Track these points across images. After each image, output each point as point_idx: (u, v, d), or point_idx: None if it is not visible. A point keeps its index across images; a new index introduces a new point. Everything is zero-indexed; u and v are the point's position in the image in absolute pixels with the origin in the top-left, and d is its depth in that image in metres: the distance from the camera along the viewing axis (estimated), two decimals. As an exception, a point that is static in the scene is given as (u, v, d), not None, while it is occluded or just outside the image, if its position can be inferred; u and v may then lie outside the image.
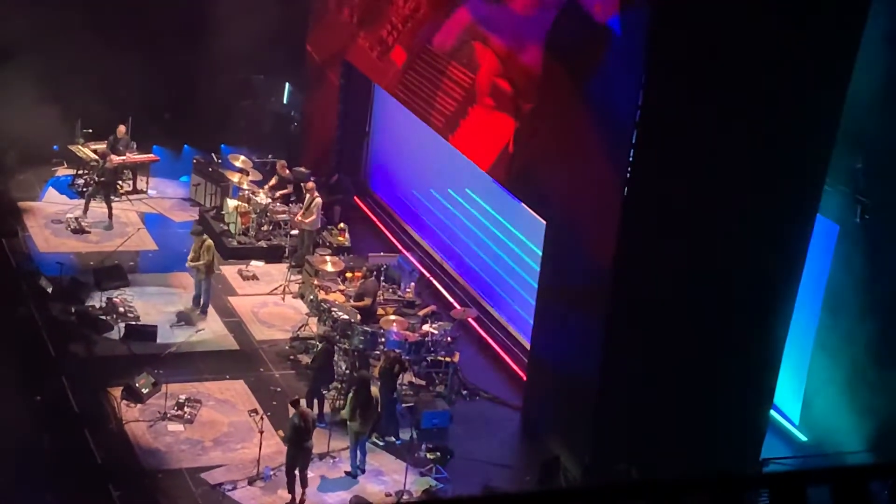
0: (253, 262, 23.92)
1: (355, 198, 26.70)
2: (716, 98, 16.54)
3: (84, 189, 25.46)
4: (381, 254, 23.63)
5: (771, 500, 5.44)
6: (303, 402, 17.77)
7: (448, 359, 20.29)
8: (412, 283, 22.38)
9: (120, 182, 25.90)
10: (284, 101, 30.21)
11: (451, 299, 23.07)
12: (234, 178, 25.11)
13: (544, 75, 19.15)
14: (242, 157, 25.68)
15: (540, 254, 19.73)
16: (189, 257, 21.77)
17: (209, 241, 21.92)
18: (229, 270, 23.54)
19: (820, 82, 16.88)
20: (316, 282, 21.66)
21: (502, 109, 20.48)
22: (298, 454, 17.19)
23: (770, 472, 14.43)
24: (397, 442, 18.87)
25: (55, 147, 26.80)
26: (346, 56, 26.24)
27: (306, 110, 28.81)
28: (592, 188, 17.89)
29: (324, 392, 19.30)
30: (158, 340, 20.62)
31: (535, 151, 19.55)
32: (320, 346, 19.54)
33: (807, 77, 16.76)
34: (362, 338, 19.97)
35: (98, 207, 24.78)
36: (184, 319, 21.53)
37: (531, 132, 19.65)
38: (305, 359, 20.44)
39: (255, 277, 23.45)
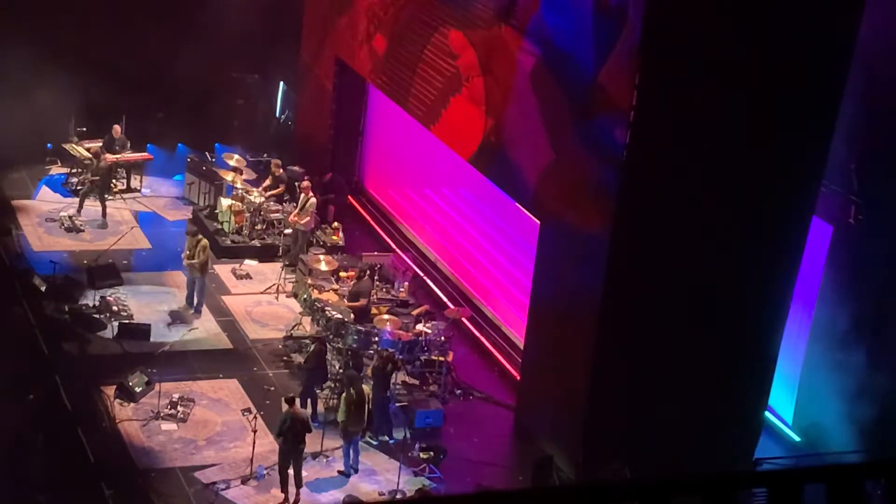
0: (246, 261, 23.91)
1: (349, 197, 26.70)
2: (711, 97, 16.55)
3: (78, 187, 25.43)
4: (375, 253, 23.65)
5: (768, 499, 5.44)
6: (297, 401, 17.77)
7: (441, 358, 20.30)
8: (406, 283, 22.39)
9: (114, 180, 25.88)
10: (279, 100, 30.20)
11: (444, 299, 23.07)
12: (228, 176, 25.09)
13: (527, 69, 19.19)
14: (236, 156, 25.67)
15: (534, 253, 19.74)
16: (184, 255, 21.78)
17: (205, 241, 21.93)
18: (223, 269, 23.52)
19: (816, 82, 16.90)
20: (310, 281, 21.67)
21: (481, 100, 20.61)
22: (292, 453, 17.18)
23: (764, 470, 14.45)
24: (391, 441, 18.87)
25: (49, 145, 26.78)
26: (336, 52, 26.25)
27: (300, 109, 28.79)
28: (586, 188, 17.89)
29: (317, 391, 19.30)
30: (152, 339, 20.59)
31: (520, 144, 19.61)
32: (313, 345, 19.54)
33: (803, 76, 16.78)
34: (356, 337, 19.99)
35: (92, 206, 24.74)
36: (177, 318, 21.53)
37: (512, 126, 19.78)
38: (299, 358, 20.42)
39: (248, 276, 23.43)
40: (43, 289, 21.36)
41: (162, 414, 18.69)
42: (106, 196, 24.82)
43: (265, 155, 27.41)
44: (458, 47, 21.44)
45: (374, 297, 21.57)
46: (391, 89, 23.87)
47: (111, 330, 20.69)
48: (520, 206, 20.28)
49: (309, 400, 18.99)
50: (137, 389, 18.96)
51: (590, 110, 17.65)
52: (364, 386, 18.37)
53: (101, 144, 25.53)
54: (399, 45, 23.52)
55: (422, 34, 22.71)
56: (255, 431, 17.57)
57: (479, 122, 20.67)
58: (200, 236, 22.05)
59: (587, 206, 17.87)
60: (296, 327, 21.42)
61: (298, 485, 17.25)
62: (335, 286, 21.64)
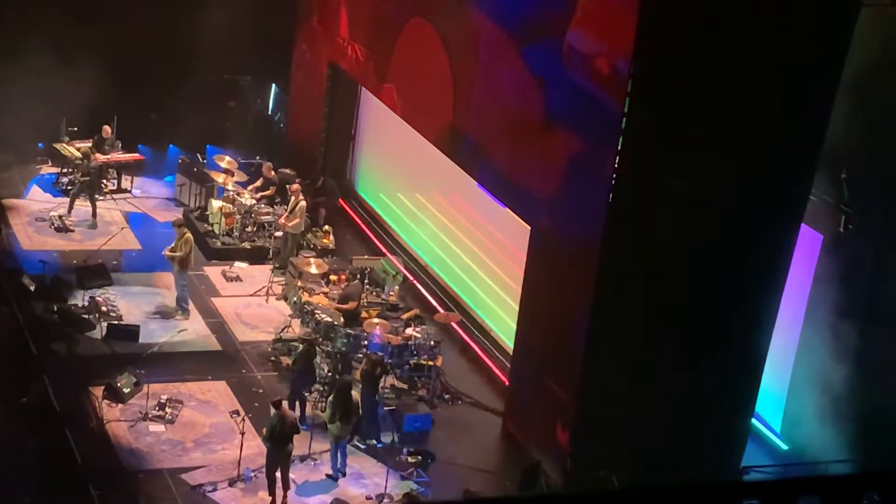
0: (236, 264, 23.86)
1: (340, 200, 26.68)
2: (702, 104, 16.56)
3: (68, 187, 25.39)
4: (366, 256, 23.63)
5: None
6: (284, 403, 17.74)
7: (430, 363, 20.29)
8: (395, 287, 22.38)
9: (104, 181, 25.85)
10: (270, 103, 30.18)
11: (434, 303, 23.06)
12: (219, 178, 25.07)
13: (493, 48, 19.23)
14: (228, 158, 25.65)
15: (524, 258, 19.73)
16: (169, 248, 21.77)
17: (188, 235, 21.93)
18: (213, 271, 23.48)
19: (807, 91, 16.92)
20: (299, 283, 21.64)
21: (448, 85, 20.90)
22: (279, 456, 17.15)
23: (754, 480, 14.45)
24: (378, 445, 18.85)
25: (40, 145, 26.75)
26: (328, 54, 26.30)
27: (292, 111, 28.77)
28: (577, 194, 17.89)
29: (305, 394, 19.28)
30: (141, 340, 20.55)
31: (496, 136, 19.75)
32: (301, 347, 19.52)
33: (794, 85, 16.80)
34: (345, 340, 19.98)
35: (82, 206, 24.71)
36: (162, 313, 21.53)
37: (482, 112, 20.07)
38: (288, 360, 20.39)
39: (238, 279, 23.40)
40: (32, 288, 21.31)
41: (150, 415, 18.65)
42: (96, 196, 24.80)
43: (257, 157, 27.40)
44: (424, 34, 21.63)
45: (364, 300, 21.56)
46: (362, 75, 24.46)
47: (100, 330, 20.64)
48: (510, 210, 20.29)
49: (297, 402, 18.96)
50: (126, 390, 18.92)
51: (587, 125, 17.69)
52: (353, 391, 18.34)
53: (90, 145, 25.51)
54: (374, 37, 23.99)
55: (392, 25, 23.10)
56: (242, 434, 17.54)
57: (447, 109, 20.99)
58: (185, 230, 22.05)
59: (578, 212, 17.87)
60: (285, 330, 21.39)
61: (286, 487, 17.23)
62: (325, 289, 21.62)
